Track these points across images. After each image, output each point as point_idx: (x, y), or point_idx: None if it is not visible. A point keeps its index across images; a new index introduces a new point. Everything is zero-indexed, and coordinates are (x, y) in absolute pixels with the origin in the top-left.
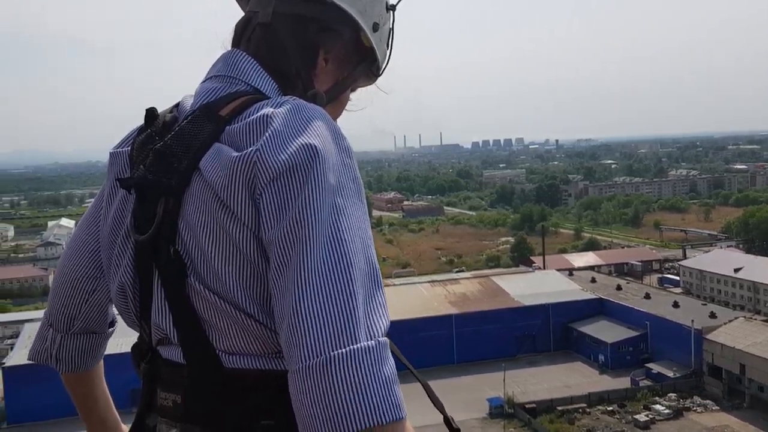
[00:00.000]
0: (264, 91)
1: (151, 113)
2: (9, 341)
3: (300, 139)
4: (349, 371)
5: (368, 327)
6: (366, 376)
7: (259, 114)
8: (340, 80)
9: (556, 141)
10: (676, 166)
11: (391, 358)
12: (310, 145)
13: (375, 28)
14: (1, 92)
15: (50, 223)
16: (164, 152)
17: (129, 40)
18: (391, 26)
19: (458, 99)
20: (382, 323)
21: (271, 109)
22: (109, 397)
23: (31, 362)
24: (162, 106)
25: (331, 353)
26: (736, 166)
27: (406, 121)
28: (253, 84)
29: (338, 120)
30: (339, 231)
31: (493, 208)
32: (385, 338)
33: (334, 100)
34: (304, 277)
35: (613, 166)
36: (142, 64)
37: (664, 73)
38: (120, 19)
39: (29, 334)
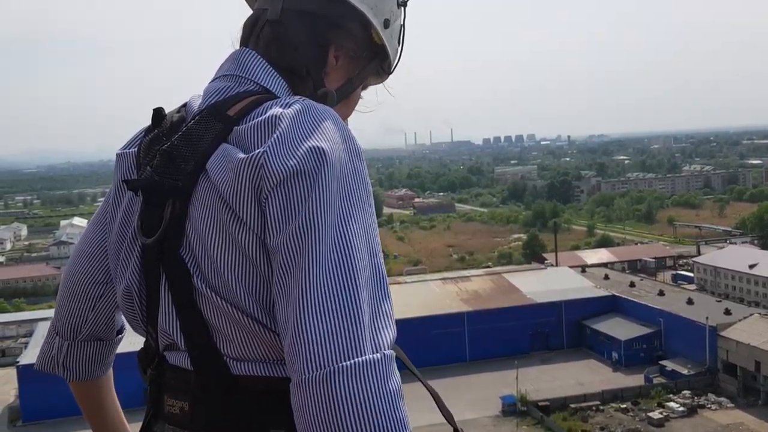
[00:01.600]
0: (273, 91)
1: (158, 113)
2: (23, 340)
3: (308, 142)
4: (354, 385)
5: (374, 339)
6: (371, 390)
7: (267, 115)
8: (351, 78)
9: (568, 137)
10: (689, 162)
11: (397, 372)
12: (319, 148)
13: (386, 24)
14: (13, 92)
15: (63, 222)
16: (171, 153)
17: (143, 38)
18: (402, 22)
19: (469, 95)
20: (389, 335)
21: (280, 110)
22: (119, 406)
23: None
24: (176, 104)
25: (335, 366)
26: (750, 162)
27: (417, 117)
28: (262, 83)
29: (349, 118)
30: (346, 238)
31: (504, 205)
32: (392, 351)
33: (344, 99)
34: (308, 286)
35: (625, 162)
36: (156, 62)
37: (677, 67)
38: (134, 16)
39: (43, 332)
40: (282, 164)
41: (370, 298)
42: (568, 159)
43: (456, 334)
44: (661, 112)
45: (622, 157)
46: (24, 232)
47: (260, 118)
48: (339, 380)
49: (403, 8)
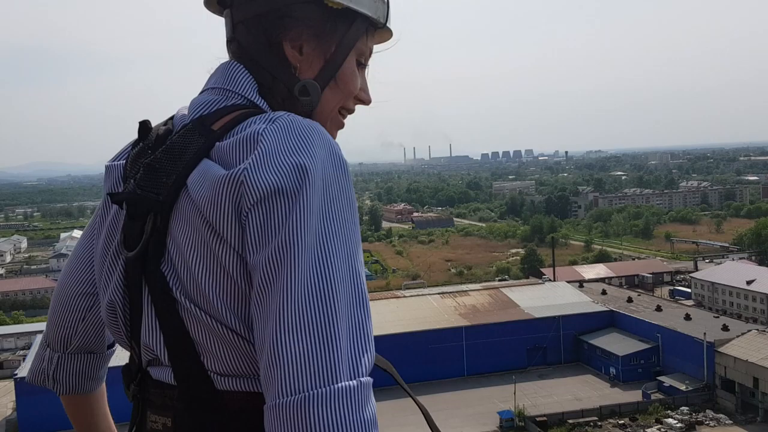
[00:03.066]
0: (260, 105)
1: (144, 126)
2: (21, 352)
3: (290, 159)
4: (328, 412)
5: (351, 365)
6: (345, 418)
7: (249, 130)
8: (329, 57)
9: (566, 152)
10: (686, 178)
11: (373, 400)
12: (301, 165)
13: None
14: (15, 105)
15: (63, 235)
16: (154, 166)
17: (144, 51)
18: None
19: (468, 110)
20: (367, 360)
21: (263, 125)
22: (112, 423)
23: None
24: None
25: (310, 392)
26: (747, 178)
27: (416, 132)
28: (249, 97)
29: (350, 133)
30: (326, 259)
31: (502, 220)
32: (369, 378)
33: (331, 80)
34: (286, 308)
35: (623, 177)
36: (159, 77)
37: (675, 84)
38: (139, 32)
39: None
40: (263, 181)
41: (349, 321)
42: (565, 174)
43: (454, 349)
44: (658, 129)
45: (619, 173)
46: (24, 244)
47: (242, 134)
48: (313, 407)
49: None
